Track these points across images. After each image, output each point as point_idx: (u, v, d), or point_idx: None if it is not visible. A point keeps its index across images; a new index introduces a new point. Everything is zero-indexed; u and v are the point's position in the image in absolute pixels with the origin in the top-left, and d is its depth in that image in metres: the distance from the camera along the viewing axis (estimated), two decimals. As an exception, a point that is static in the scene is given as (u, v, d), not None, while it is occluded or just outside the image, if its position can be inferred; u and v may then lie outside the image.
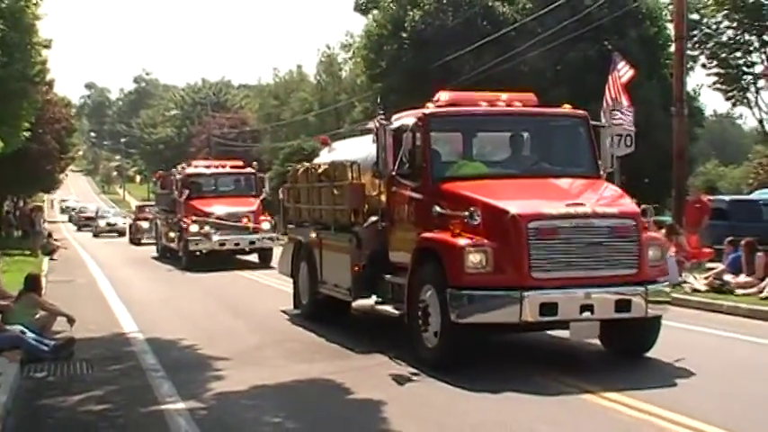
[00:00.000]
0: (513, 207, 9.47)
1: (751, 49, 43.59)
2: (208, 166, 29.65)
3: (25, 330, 11.16)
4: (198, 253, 25.60)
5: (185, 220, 26.07)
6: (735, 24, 43.16)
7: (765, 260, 15.76)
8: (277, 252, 24.72)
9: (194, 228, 25.43)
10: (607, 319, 9.45)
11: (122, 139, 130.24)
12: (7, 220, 49.18)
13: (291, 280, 15.29)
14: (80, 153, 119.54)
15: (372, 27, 43.56)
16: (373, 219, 11.89)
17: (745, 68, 43.75)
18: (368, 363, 10.52)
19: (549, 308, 9.16)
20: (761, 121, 43.66)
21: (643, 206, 10.12)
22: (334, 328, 12.77)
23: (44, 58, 26.91)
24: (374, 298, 11.71)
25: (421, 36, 39.17)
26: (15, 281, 14.66)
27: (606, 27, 36.04)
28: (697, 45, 42.52)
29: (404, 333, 10.61)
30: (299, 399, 8.93)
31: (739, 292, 15.18)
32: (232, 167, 29.31)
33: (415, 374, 9.63)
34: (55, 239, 36.13)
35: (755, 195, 27.16)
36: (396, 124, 11.11)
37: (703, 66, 44.24)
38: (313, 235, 13.92)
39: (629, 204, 10.06)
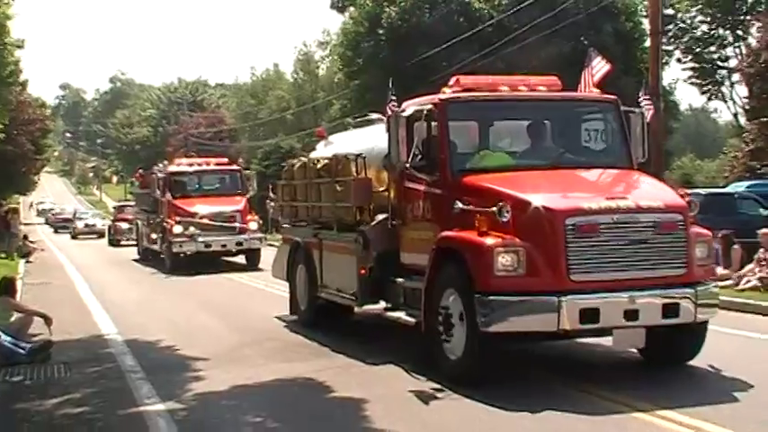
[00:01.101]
0: (549, 201, 8.43)
1: (725, 43, 43.90)
2: (191, 164, 27.98)
3: (1, 334, 10.88)
4: (182, 255, 24.11)
5: (168, 220, 24.64)
6: (709, 19, 43.44)
7: (741, 253, 15.81)
8: (265, 253, 24.22)
9: (178, 228, 23.98)
10: (654, 325, 8.40)
11: (98, 140, 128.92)
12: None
13: (287, 284, 14.12)
14: (55, 154, 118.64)
15: (349, 24, 43.47)
16: (382, 217, 10.82)
17: (719, 63, 44.08)
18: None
19: (589, 314, 8.12)
20: (735, 115, 43.87)
21: (688, 198, 9.10)
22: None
23: (17, 59, 26.52)
24: (382, 303, 10.74)
25: (397, 33, 39.11)
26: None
27: (582, 23, 36.11)
28: (672, 40, 42.71)
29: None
30: (280, 398, 8.76)
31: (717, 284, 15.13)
32: (216, 165, 27.92)
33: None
34: (31, 241, 35.68)
35: (731, 189, 27.33)
36: (408, 112, 9.91)
37: (678, 60, 44.50)
38: (312, 235, 12.79)
39: (674, 197, 8.96)
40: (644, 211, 8.41)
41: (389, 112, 10.04)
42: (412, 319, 9.74)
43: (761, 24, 34.88)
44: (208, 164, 27.93)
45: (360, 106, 42.35)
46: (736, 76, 41.37)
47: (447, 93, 10.07)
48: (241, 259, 25.37)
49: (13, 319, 11.79)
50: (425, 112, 9.76)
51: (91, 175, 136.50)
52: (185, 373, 10.03)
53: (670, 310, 8.31)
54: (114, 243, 39.99)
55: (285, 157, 47.72)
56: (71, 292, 19.61)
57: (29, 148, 43.89)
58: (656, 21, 20.90)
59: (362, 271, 10.87)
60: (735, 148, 37.52)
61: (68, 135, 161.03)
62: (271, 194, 17.05)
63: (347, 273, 11.30)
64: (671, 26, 41.23)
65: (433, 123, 9.72)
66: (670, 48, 41.57)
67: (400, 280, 10.29)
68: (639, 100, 10.64)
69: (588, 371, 9.39)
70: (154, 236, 27.03)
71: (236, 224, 24.41)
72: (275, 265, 14.94)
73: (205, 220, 24.12)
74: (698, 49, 43.36)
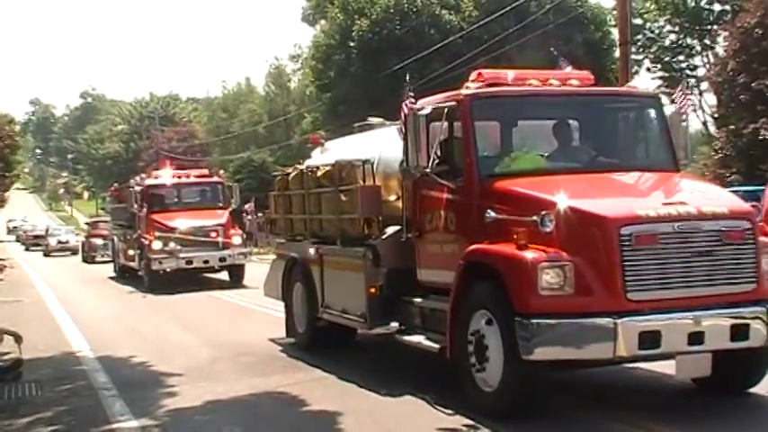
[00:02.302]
0: (599, 208, 7.34)
1: (693, 52, 44.36)
2: (170, 176, 26.09)
3: (-29, 353, 10.87)
4: (161, 272, 22.54)
5: (146, 236, 23.11)
6: (677, 29, 43.89)
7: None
8: (250, 269, 23.28)
9: (157, 244, 22.44)
10: (721, 349, 7.21)
11: (69, 156, 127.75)
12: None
13: (276, 302, 13.26)
14: (26, 171, 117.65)
15: (320, 37, 43.37)
16: (393, 229, 9.72)
17: (688, 71, 44.55)
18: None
19: (650, 338, 6.97)
20: (704, 123, 44.36)
21: (751, 203, 8.03)
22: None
23: (-15, 75, 26.52)
24: (393, 325, 9.74)
25: (368, 45, 39.07)
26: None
27: (552, 33, 36.28)
28: (641, 49, 42.98)
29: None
30: (254, 412, 8.58)
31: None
32: (197, 177, 26.25)
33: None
34: (1, 259, 35.43)
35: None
36: (426, 110, 8.71)
37: (648, 69, 44.88)
38: (311, 250, 11.51)
39: (738, 201, 7.81)
40: (707, 218, 7.25)
41: (406, 111, 8.85)
42: (434, 345, 8.53)
43: (727, 33, 35.29)
44: (188, 176, 26.31)
45: (332, 119, 42.36)
46: (704, 85, 41.85)
47: (470, 88, 8.83)
48: (224, 276, 24.04)
49: (-19, 337, 11.64)
50: (446, 110, 8.59)
51: (62, 191, 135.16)
52: (159, 389, 9.77)
53: (739, 331, 7.15)
54: (88, 260, 38.84)
55: (257, 170, 48.35)
56: (43, 310, 19.25)
57: (-2, 164, 43.47)
58: (625, 30, 21.02)
59: (372, 290, 9.73)
60: (704, 156, 37.90)
61: (38, 151, 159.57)
62: (246, 207, 16.65)
63: (354, 292, 10.13)
64: (640, 36, 41.54)
65: (456, 123, 8.58)
66: (639, 57, 41.79)
67: (418, 300, 9.16)
68: (675, 96, 9.44)
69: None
70: (131, 252, 25.49)
71: (219, 239, 22.99)
72: (268, 284, 13.64)
73: (186, 236, 22.71)
74: (666, 58, 43.77)
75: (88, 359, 12.14)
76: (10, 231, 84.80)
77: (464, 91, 8.73)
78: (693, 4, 42.11)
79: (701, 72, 42.67)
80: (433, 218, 8.93)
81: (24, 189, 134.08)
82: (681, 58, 43.97)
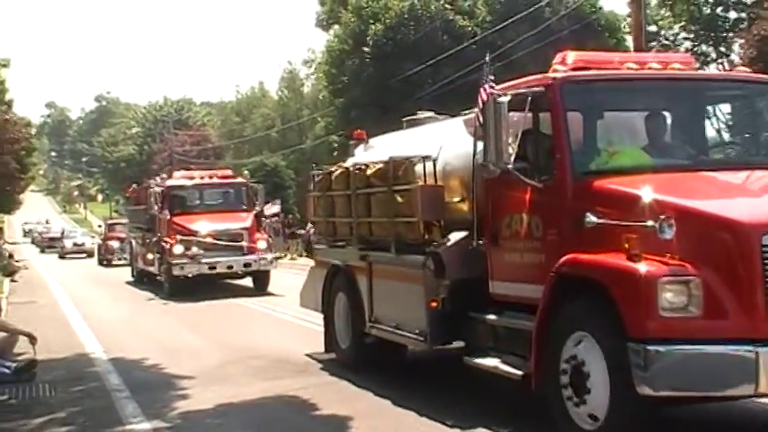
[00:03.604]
0: (734, 212, 6.09)
1: (708, 60, 44.24)
2: (192, 177, 24.66)
3: (-15, 354, 10.95)
4: (183, 278, 21.30)
5: (167, 239, 21.80)
6: (692, 36, 43.80)
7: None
8: (275, 275, 22.47)
9: (179, 248, 21.14)
10: None
11: (83, 159, 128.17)
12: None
13: (309, 311, 12.42)
14: (40, 173, 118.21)
15: (334, 42, 43.31)
16: (459, 235, 8.51)
17: (702, 79, 44.41)
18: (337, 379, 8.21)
19: None
20: (718, 131, 44.33)
21: None
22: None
23: (2, 78, 26.57)
24: (457, 344, 8.63)
25: (382, 50, 39.01)
26: (-26, 303, 14.33)
27: (566, 39, 36.20)
28: (655, 56, 43.18)
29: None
30: (265, 416, 8.53)
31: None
32: (220, 178, 24.78)
33: None
34: (16, 260, 35.57)
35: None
36: (506, 98, 7.29)
37: (662, 77, 44.96)
38: (358, 258, 10.35)
39: None
40: None
41: (484, 97, 7.47)
42: (516, 371, 7.24)
43: (743, 41, 35.19)
44: (211, 177, 24.81)
45: (344, 123, 42.36)
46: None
47: (560, 70, 7.57)
48: (246, 282, 22.85)
49: (-3, 338, 11.73)
50: (530, 97, 7.30)
51: (76, 193, 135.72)
52: (171, 391, 9.78)
53: None
54: (105, 263, 38.34)
55: (270, 175, 48.46)
56: (56, 312, 19.04)
57: (14, 167, 43.43)
58: (640, 38, 20.97)
59: (433, 303, 8.48)
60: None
61: (53, 154, 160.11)
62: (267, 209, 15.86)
63: (410, 305, 8.91)
64: (654, 43, 41.30)
65: (541, 113, 7.39)
66: (653, 64, 41.91)
67: (490, 317, 7.90)
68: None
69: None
70: (150, 256, 24.20)
71: (244, 243, 21.68)
72: (305, 293, 12.43)
73: (209, 239, 21.46)
74: (680, 66, 43.69)
75: (101, 361, 12.19)
76: (26, 234, 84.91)
77: (554, 74, 7.47)
78: (709, 11, 41.90)
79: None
80: (512, 222, 7.68)
81: (39, 191, 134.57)
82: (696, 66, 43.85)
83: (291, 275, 22.25)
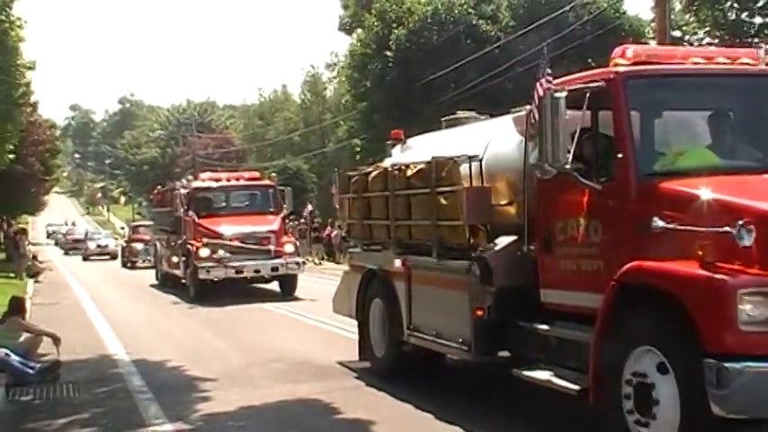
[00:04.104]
0: None
1: (733, 65, 43.95)
2: (218, 179, 24.48)
3: (10, 353, 10.77)
4: (209, 281, 21.10)
5: (193, 242, 21.56)
6: (716, 41, 43.54)
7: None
8: (303, 278, 22.43)
9: (205, 252, 20.91)
10: None
11: (107, 161, 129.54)
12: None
13: (339, 317, 12.25)
14: (64, 175, 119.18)
15: (356, 46, 43.42)
16: (506, 239, 8.14)
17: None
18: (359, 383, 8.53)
19: None
20: None
21: None
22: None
23: (28, 80, 26.63)
24: (502, 354, 8.28)
25: (405, 55, 39.01)
26: None
27: (589, 44, 36.13)
28: (680, 62, 42.94)
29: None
30: (287, 419, 8.60)
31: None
32: (247, 180, 24.64)
33: None
34: (40, 261, 35.87)
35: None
36: (562, 93, 6.83)
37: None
38: (396, 262, 9.99)
39: None
40: None
41: (541, 92, 6.94)
42: (572, 386, 6.80)
43: (768, 46, 35.00)
44: (238, 179, 24.56)
45: (367, 127, 42.49)
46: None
47: (621, 64, 7.12)
48: (271, 286, 22.61)
49: (22, 339, 11.78)
50: (589, 92, 6.91)
51: (99, 195, 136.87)
52: (192, 393, 9.97)
53: None
54: (129, 265, 38.54)
55: (293, 178, 48.59)
56: (80, 313, 19.43)
57: (38, 168, 43.73)
58: (664, 43, 20.92)
59: (478, 312, 8.12)
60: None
61: (77, 156, 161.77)
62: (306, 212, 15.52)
63: (453, 313, 8.57)
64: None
65: (601, 110, 6.98)
66: (677, 69, 41.70)
67: (541, 326, 7.49)
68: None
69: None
70: (175, 259, 24.05)
71: (271, 246, 21.40)
72: (338, 299, 12.13)
73: (235, 242, 21.21)
74: (705, 71, 43.41)
75: (124, 362, 12.34)
76: (50, 235, 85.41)
77: (616, 69, 7.04)
78: (734, 16, 41.67)
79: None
80: (567, 226, 7.24)
81: (63, 193, 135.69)
82: (720, 70, 43.53)
83: (317, 279, 22.22)
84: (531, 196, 7.71)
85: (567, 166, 6.78)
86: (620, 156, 6.67)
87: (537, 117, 6.95)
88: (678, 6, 40.32)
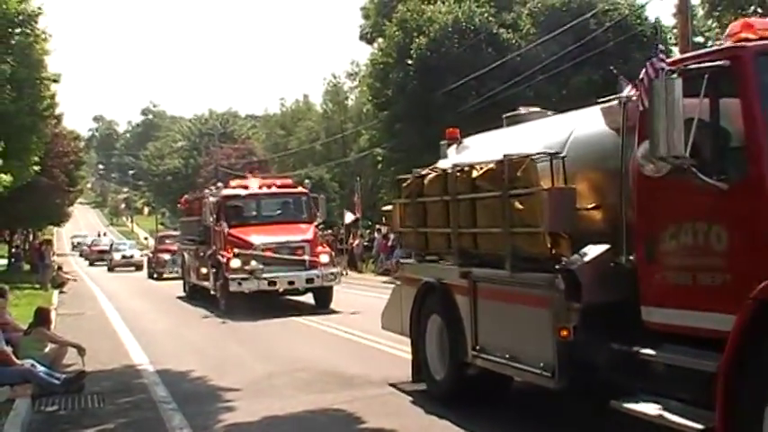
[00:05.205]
0: None
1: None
2: (249, 186, 23.13)
3: (36, 364, 10.91)
4: (240, 294, 19.87)
5: (223, 252, 20.55)
6: (739, 46, 43.33)
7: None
8: (339, 291, 21.42)
9: (236, 263, 19.82)
10: None
11: (130, 172, 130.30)
12: (17, 254, 49.39)
13: (408, 340, 10.51)
14: (88, 186, 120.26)
15: (377, 55, 43.56)
16: (597, 249, 7.09)
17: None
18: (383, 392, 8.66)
19: None
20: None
21: None
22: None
23: (53, 93, 27.03)
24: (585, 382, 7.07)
25: (426, 63, 39.10)
26: (25, 315, 14.42)
27: (611, 51, 36.02)
28: (702, 68, 42.68)
29: None
30: (311, 429, 8.65)
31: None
32: (279, 187, 23.39)
33: None
34: (65, 272, 36.15)
35: None
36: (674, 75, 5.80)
37: (709, 88, 44.44)
38: (458, 274, 8.86)
39: None
40: None
41: (652, 73, 5.91)
42: (693, 424, 5.64)
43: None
44: (269, 186, 23.36)
45: (388, 137, 42.62)
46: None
47: (746, 38, 6.01)
48: (305, 299, 21.66)
49: (47, 349, 11.90)
50: (708, 74, 5.82)
51: (123, 206, 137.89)
52: (216, 403, 9.99)
53: None
54: (155, 276, 38.13)
55: (315, 188, 48.63)
56: (104, 323, 19.55)
57: (63, 179, 44.25)
58: (686, 49, 20.82)
59: (563, 332, 7.00)
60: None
61: (101, 167, 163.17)
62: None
63: (531, 333, 7.53)
64: (701, 54, 41.05)
65: (721, 95, 5.84)
66: (700, 75, 41.44)
67: (645, 350, 6.37)
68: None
69: None
70: (204, 270, 22.96)
71: (305, 257, 20.37)
72: (388, 314, 11.16)
73: (268, 253, 20.16)
74: (728, 77, 43.16)
75: (148, 372, 12.40)
76: (75, 247, 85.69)
77: (743, 44, 5.93)
78: (757, 21, 41.34)
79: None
80: (679, 233, 6.13)
81: (87, 204, 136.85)
82: (743, 76, 43.24)
83: (348, 290, 22.00)
84: (631, 199, 6.70)
85: (688, 161, 5.72)
86: (752, 149, 5.62)
87: (647, 103, 5.96)
88: (700, 12, 40.11)
